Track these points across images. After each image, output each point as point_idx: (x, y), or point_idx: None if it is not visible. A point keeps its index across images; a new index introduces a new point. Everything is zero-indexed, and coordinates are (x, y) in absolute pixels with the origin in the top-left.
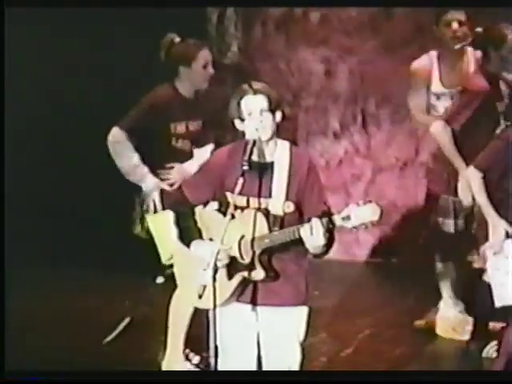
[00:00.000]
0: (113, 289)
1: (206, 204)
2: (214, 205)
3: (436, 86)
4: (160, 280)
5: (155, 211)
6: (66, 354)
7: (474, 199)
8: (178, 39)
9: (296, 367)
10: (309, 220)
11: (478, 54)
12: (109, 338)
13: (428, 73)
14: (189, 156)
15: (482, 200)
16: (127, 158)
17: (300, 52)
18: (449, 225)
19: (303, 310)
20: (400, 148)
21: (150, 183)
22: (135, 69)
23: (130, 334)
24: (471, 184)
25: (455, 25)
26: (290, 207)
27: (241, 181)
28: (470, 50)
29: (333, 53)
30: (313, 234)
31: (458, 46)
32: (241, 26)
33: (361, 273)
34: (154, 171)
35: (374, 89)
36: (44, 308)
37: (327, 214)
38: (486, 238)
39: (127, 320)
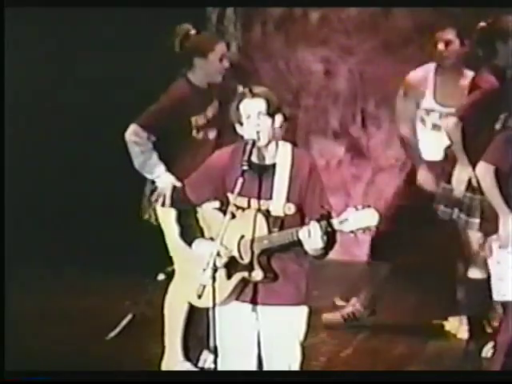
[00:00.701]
0: (113, 289)
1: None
2: (215, 204)
3: (428, 101)
4: (161, 277)
5: (163, 206)
6: (66, 354)
7: (481, 193)
8: (193, 31)
9: (296, 367)
10: (309, 222)
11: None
12: (112, 334)
13: (422, 86)
14: (211, 145)
15: (495, 194)
16: (145, 156)
17: (300, 52)
18: (446, 214)
19: (303, 310)
20: (400, 148)
21: (165, 181)
22: (134, 68)
23: (131, 334)
24: (482, 179)
25: (441, 45)
26: (291, 209)
27: (240, 181)
28: (468, 73)
29: (332, 53)
30: (311, 237)
31: (449, 62)
32: (240, 26)
33: (361, 273)
34: (174, 166)
35: (374, 89)
36: (44, 308)
37: (326, 217)
38: (494, 232)
39: (130, 316)
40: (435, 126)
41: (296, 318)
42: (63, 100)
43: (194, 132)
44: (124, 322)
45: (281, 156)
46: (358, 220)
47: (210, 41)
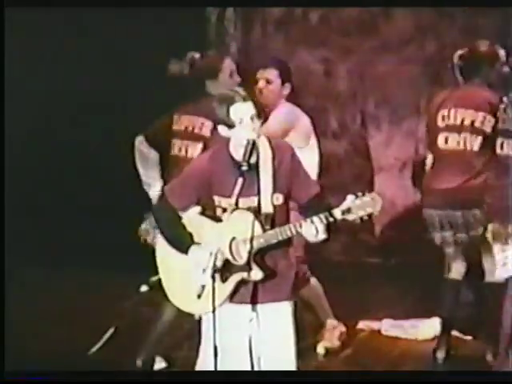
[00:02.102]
0: (113, 289)
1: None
2: (197, 209)
3: None
4: (144, 288)
5: None
6: (66, 354)
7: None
8: (197, 55)
9: (293, 360)
10: (304, 209)
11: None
12: (94, 349)
13: None
14: None
15: None
16: (151, 171)
17: (299, 52)
18: (436, 238)
19: (291, 305)
20: (399, 148)
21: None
22: (135, 68)
23: (130, 334)
24: None
25: (262, 83)
26: (279, 199)
27: (240, 181)
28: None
29: (332, 53)
30: (317, 232)
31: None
32: (240, 26)
33: (360, 273)
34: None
35: (373, 89)
36: (44, 308)
37: (321, 198)
38: None
39: (111, 330)
40: None
41: (288, 312)
42: (63, 100)
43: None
44: (106, 336)
45: (261, 150)
46: (361, 207)
47: (216, 61)
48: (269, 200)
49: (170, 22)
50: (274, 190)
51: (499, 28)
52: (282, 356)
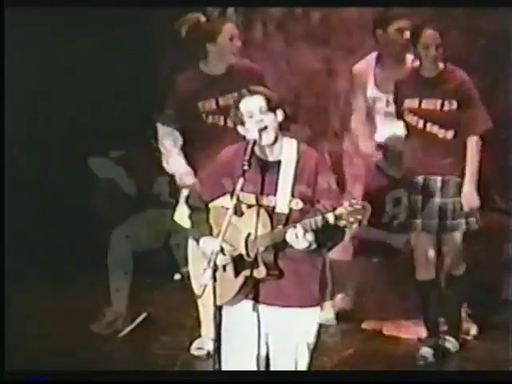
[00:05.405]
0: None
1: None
2: (227, 201)
3: (370, 90)
4: (177, 277)
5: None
6: (66, 354)
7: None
8: (203, 18)
9: (304, 367)
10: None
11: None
12: (124, 332)
13: (366, 76)
14: (222, 130)
15: None
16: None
17: (300, 52)
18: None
19: (316, 311)
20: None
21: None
22: (135, 69)
23: (132, 333)
24: None
25: (407, 33)
26: (299, 204)
27: (241, 180)
28: (409, 56)
29: (333, 52)
30: (297, 239)
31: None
32: (241, 26)
33: (361, 273)
34: (189, 154)
35: None
36: (44, 308)
37: (324, 212)
38: None
39: (144, 315)
40: (387, 114)
41: (307, 319)
42: (63, 100)
43: (204, 117)
44: (138, 320)
45: (286, 152)
46: (352, 214)
47: (216, 24)
48: (285, 201)
49: (170, 22)
50: (293, 194)
51: (499, 28)
52: (291, 360)
